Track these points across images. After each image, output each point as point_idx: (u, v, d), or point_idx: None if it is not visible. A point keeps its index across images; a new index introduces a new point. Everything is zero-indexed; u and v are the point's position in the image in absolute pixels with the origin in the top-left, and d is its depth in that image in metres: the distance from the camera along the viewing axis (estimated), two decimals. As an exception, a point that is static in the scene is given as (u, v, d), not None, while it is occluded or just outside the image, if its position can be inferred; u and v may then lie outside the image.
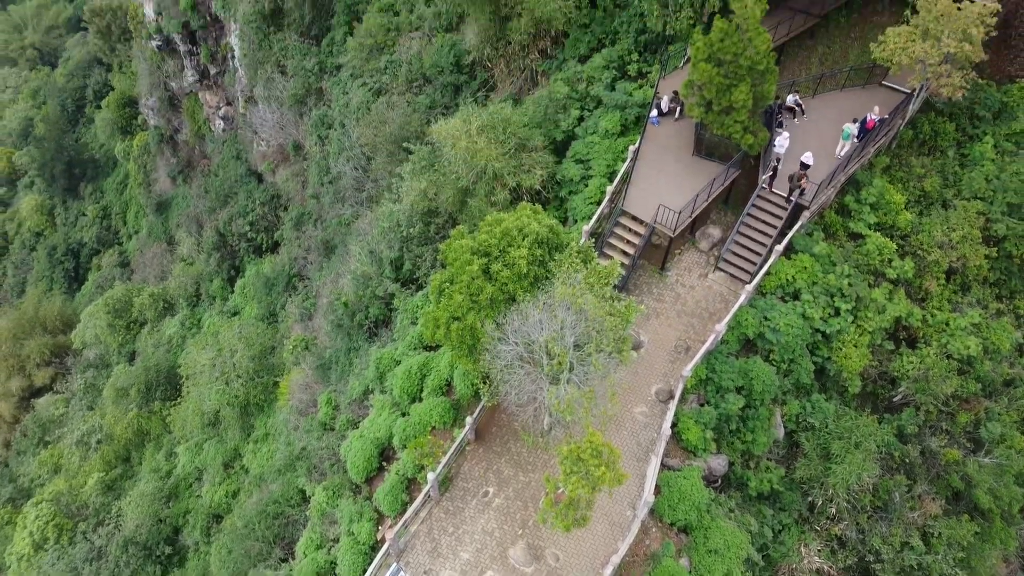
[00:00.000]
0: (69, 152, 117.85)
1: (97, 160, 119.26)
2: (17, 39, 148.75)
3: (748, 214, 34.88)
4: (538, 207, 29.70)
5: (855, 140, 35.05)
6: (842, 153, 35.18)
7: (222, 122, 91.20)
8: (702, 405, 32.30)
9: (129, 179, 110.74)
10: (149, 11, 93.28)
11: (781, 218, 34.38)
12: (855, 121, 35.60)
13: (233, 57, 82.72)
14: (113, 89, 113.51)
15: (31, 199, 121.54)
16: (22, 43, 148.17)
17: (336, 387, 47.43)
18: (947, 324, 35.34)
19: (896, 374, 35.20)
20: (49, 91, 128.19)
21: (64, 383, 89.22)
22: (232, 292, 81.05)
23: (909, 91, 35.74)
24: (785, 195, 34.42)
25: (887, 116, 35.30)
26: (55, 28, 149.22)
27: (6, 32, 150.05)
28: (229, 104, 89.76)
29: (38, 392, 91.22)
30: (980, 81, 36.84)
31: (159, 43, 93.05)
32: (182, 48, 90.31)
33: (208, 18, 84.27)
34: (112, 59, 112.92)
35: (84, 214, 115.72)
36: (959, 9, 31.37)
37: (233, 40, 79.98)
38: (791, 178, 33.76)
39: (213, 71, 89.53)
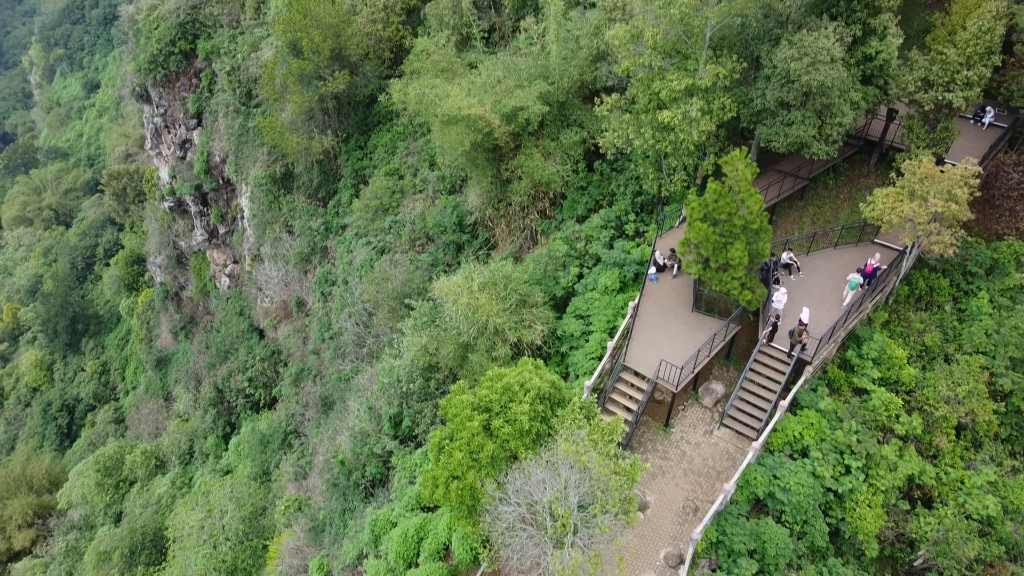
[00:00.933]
0: (74, 308, 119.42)
1: (101, 316, 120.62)
2: (36, 200, 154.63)
3: (751, 369, 34.72)
4: (539, 362, 29.57)
5: (861, 288, 35.78)
6: (847, 302, 35.72)
7: (227, 279, 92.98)
8: (714, 571, 30.67)
9: (131, 335, 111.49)
10: (164, 175, 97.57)
11: (784, 373, 34.18)
12: (859, 271, 36.44)
13: (242, 217, 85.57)
14: (123, 247, 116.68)
15: (31, 354, 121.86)
16: (40, 204, 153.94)
17: (329, 551, 45.32)
18: (962, 482, 34.26)
19: (914, 536, 33.70)
20: (61, 249, 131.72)
21: (45, 546, 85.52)
22: (227, 449, 79.43)
23: (901, 248, 36.61)
24: (786, 350, 34.42)
25: (885, 267, 36.03)
26: (73, 191, 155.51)
27: (26, 194, 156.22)
28: (236, 262, 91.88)
29: (17, 556, 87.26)
30: (970, 239, 37.86)
31: (171, 204, 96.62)
32: (193, 209, 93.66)
33: (220, 181, 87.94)
34: (125, 219, 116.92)
35: (83, 369, 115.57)
36: (942, 172, 32.70)
37: (243, 201, 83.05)
38: (791, 333, 33.90)
39: (222, 230, 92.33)
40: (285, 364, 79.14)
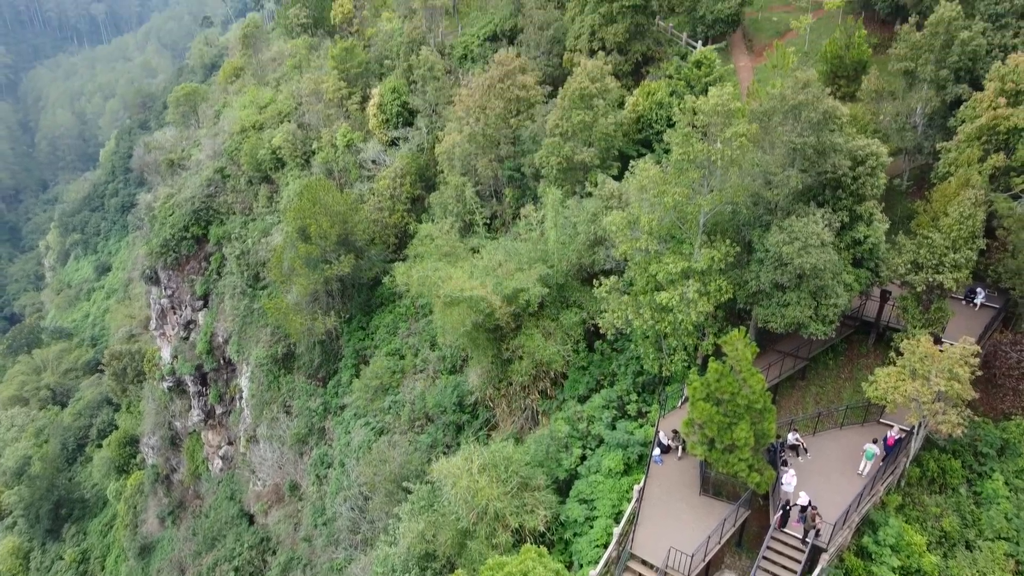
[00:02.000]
0: (59, 491, 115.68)
1: (86, 500, 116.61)
2: (34, 380, 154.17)
3: (764, 557, 33.02)
4: (543, 550, 28.20)
5: (880, 460, 34.91)
6: (865, 472, 34.64)
7: (221, 461, 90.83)
8: None
9: (116, 520, 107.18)
10: (166, 354, 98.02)
11: (799, 561, 32.47)
12: (875, 441, 35.63)
13: (240, 397, 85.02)
14: (117, 428, 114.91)
15: (9, 541, 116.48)
16: (38, 384, 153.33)
17: None
18: None
19: None
20: (53, 430, 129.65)
21: None
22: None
23: (908, 428, 36.07)
24: (800, 536, 32.94)
25: (904, 437, 35.33)
26: (72, 370, 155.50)
27: (25, 374, 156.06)
28: (230, 444, 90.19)
29: None
30: (976, 418, 37.41)
31: (170, 384, 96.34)
32: (192, 389, 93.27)
33: (221, 361, 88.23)
34: (122, 399, 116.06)
35: (61, 558, 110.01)
36: (941, 351, 32.89)
37: (243, 381, 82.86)
38: (803, 518, 32.61)
39: (219, 411, 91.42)
40: (273, 552, 75.46)
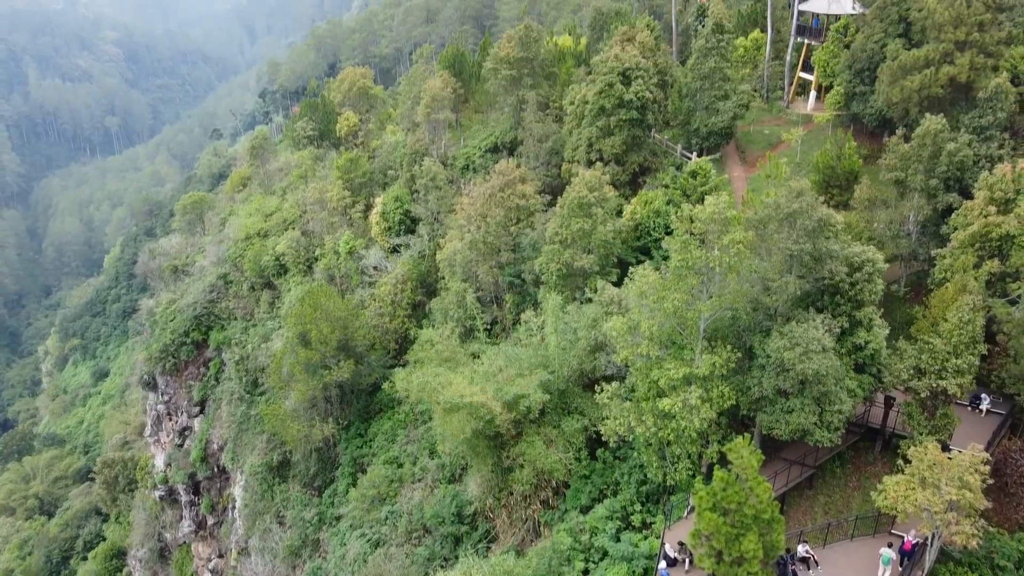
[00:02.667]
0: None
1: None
2: (23, 488, 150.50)
3: None
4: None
5: (897, 566, 33.73)
6: None
7: (210, 575, 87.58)
8: None
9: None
10: (159, 462, 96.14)
11: None
12: (890, 545, 34.37)
13: (233, 508, 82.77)
14: (105, 539, 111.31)
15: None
16: (26, 492, 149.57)
17: None
18: None
19: None
20: (38, 542, 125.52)
21: None
22: None
23: (921, 540, 34.95)
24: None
25: (923, 541, 34.12)
26: (63, 479, 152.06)
27: (14, 482, 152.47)
28: (221, 556, 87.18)
29: None
30: (991, 529, 36.29)
31: (162, 493, 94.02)
32: (184, 498, 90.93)
33: (215, 469, 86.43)
34: (111, 509, 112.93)
35: None
36: (949, 459, 32.26)
37: (237, 491, 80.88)
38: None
39: (211, 522, 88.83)
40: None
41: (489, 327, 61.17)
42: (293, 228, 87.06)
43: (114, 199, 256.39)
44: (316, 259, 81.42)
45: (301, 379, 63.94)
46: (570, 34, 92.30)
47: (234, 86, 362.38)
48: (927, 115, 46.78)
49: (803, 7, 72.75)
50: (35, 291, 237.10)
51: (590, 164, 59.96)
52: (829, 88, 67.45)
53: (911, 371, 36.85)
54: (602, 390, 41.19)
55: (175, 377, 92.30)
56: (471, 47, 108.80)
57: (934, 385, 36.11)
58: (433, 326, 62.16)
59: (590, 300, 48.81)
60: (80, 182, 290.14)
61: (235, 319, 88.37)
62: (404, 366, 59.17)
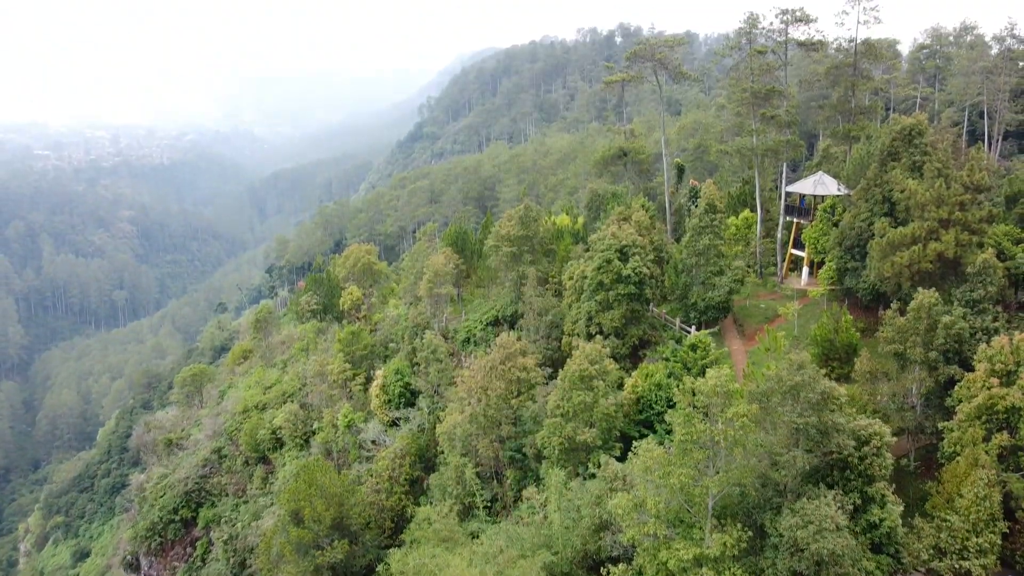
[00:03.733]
0: None
1: None
2: None
3: None
4: None
5: None
6: None
7: None
8: None
9: None
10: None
11: None
12: None
13: None
14: None
15: None
16: None
17: None
18: None
19: None
20: None
21: None
22: None
23: None
24: None
25: None
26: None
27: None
28: None
29: None
30: None
31: None
32: None
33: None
34: None
35: None
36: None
37: None
38: None
39: None
40: None
41: (489, 504, 59.14)
42: (292, 401, 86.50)
43: (114, 371, 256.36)
44: (314, 433, 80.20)
45: (291, 560, 60.86)
46: (568, 214, 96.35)
47: (242, 262, 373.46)
48: (919, 289, 47.82)
49: (790, 189, 76.52)
50: (23, 465, 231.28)
51: (590, 337, 60.54)
52: (821, 264, 69.51)
53: (931, 551, 35.28)
54: (609, 572, 39.19)
55: (160, 558, 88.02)
56: (473, 226, 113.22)
57: (956, 566, 34.44)
58: (431, 503, 60.14)
59: (593, 476, 47.59)
60: (82, 354, 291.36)
61: (227, 495, 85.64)
62: (400, 547, 56.61)
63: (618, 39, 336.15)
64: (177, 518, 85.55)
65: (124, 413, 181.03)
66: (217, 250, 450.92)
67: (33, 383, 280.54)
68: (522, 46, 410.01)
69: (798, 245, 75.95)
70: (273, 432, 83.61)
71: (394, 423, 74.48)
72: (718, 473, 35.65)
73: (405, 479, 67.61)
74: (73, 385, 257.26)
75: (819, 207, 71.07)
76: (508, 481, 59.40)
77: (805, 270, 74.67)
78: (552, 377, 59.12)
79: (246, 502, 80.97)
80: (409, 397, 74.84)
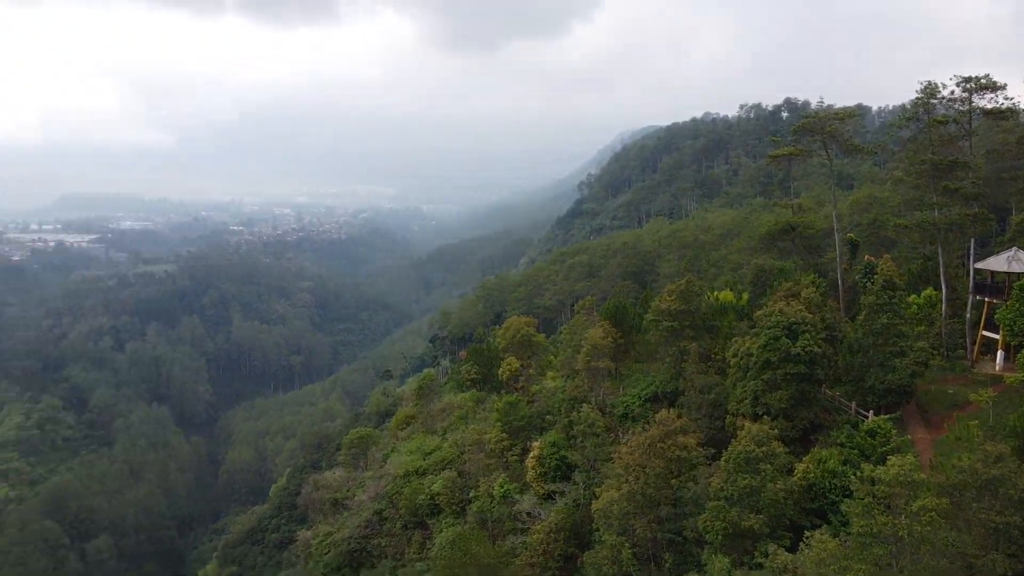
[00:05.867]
0: None
1: None
2: None
3: None
4: None
5: None
6: None
7: None
8: None
9: None
10: None
11: None
12: None
13: None
14: None
15: None
16: None
17: None
18: None
19: None
20: None
21: None
22: None
23: None
24: None
25: None
26: None
27: None
28: None
29: None
30: None
31: None
32: None
33: None
34: None
35: None
36: None
37: None
38: None
39: None
40: None
41: (646, 588, 56.96)
42: (450, 468, 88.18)
43: (288, 432, 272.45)
44: (470, 501, 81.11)
45: (445, 629, 61.26)
46: (731, 289, 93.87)
47: (408, 332, 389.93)
48: None
49: (979, 266, 70.79)
50: (205, 516, 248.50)
51: (756, 418, 57.93)
52: (1019, 347, 63.24)
53: None
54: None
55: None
56: (631, 300, 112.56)
57: None
58: (586, 582, 58.76)
59: (760, 566, 44.87)
60: (260, 414, 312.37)
61: (386, 557, 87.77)
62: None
63: (784, 114, 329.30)
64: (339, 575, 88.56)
65: (295, 471, 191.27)
66: (385, 320, 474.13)
67: (217, 439, 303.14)
68: (683, 123, 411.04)
69: (991, 326, 69.55)
70: (431, 498, 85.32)
71: (549, 496, 74.00)
72: (902, 573, 32.65)
73: (559, 555, 66.66)
74: (251, 443, 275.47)
75: (1015, 285, 65.10)
76: (667, 565, 57.02)
77: (1000, 354, 68.12)
78: (715, 458, 56.84)
79: (404, 566, 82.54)
80: (565, 470, 74.30)
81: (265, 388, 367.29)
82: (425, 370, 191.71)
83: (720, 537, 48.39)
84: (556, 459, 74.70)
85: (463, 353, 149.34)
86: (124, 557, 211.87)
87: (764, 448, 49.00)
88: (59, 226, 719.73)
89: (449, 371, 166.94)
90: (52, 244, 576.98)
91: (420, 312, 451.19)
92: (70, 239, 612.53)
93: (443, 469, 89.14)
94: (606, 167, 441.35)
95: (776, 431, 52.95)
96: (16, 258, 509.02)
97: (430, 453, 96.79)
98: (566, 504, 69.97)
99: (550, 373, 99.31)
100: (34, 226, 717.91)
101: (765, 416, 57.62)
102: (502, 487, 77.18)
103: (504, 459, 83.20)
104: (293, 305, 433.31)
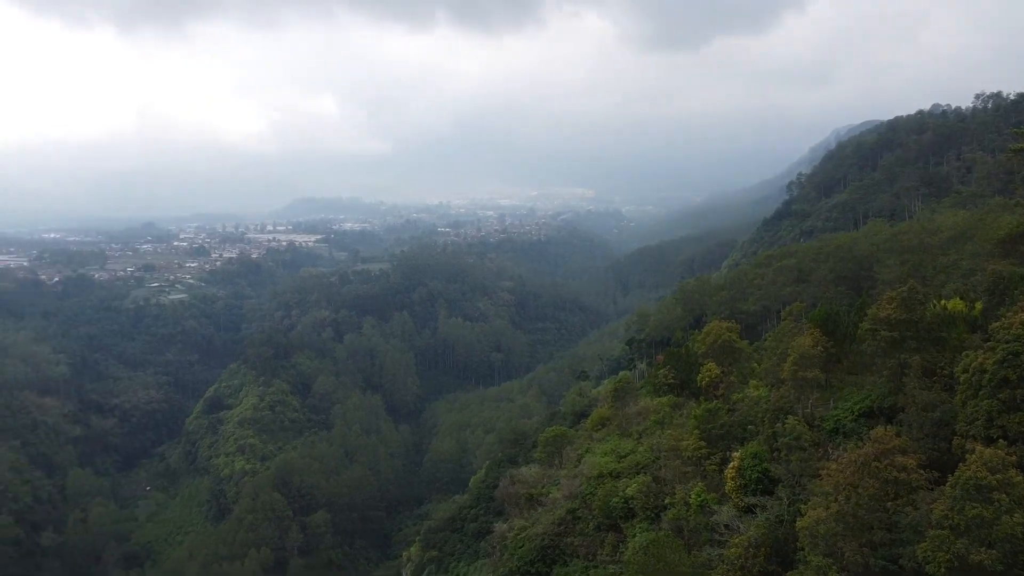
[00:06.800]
0: None
1: None
2: None
3: None
4: None
5: None
6: None
7: None
8: None
9: None
10: None
11: None
12: None
13: None
14: None
15: None
16: None
17: None
18: None
19: None
20: None
21: None
22: None
23: None
24: None
25: None
26: None
27: None
28: None
29: None
30: None
31: None
32: None
33: None
34: None
35: None
36: None
37: None
38: None
39: None
40: None
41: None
42: (645, 473, 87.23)
43: (487, 426, 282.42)
44: (665, 507, 79.74)
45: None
46: (962, 298, 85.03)
47: (604, 333, 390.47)
48: None
49: None
50: (410, 500, 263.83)
51: (990, 441, 52.08)
52: None
53: None
54: None
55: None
56: (845, 307, 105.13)
57: None
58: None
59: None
60: (462, 407, 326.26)
61: (577, 557, 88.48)
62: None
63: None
64: (532, 570, 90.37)
65: (493, 465, 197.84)
66: (581, 320, 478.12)
67: (423, 429, 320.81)
68: (907, 117, 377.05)
69: None
70: (625, 501, 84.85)
71: (749, 509, 71.00)
72: None
73: (758, 571, 63.79)
74: (453, 434, 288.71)
75: None
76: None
77: None
78: (937, 482, 51.80)
79: (596, 567, 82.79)
80: (766, 484, 70.94)
81: (467, 382, 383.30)
82: (621, 372, 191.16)
83: (943, 570, 44.14)
84: (757, 471, 71.56)
85: (660, 357, 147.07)
86: (338, 532, 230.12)
87: (999, 476, 44.02)
88: (290, 227, 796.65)
89: (645, 374, 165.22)
90: (284, 243, 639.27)
91: (616, 314, 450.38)
92: (299, 239, 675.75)
93: (637, 473, 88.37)
94: (818, 166, 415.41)
95: (1014, 457, 47.35)
96: (255, 256, 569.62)
97: (625, 456, 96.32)
98: (767, 519, 66.79)
99: (752, 381, 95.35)
100: (269, 227, 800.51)
101: (1001, 440, 51.66)
102: (699, 496, 75.17)
103: (702, 467, 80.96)
104: (494, 304, 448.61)
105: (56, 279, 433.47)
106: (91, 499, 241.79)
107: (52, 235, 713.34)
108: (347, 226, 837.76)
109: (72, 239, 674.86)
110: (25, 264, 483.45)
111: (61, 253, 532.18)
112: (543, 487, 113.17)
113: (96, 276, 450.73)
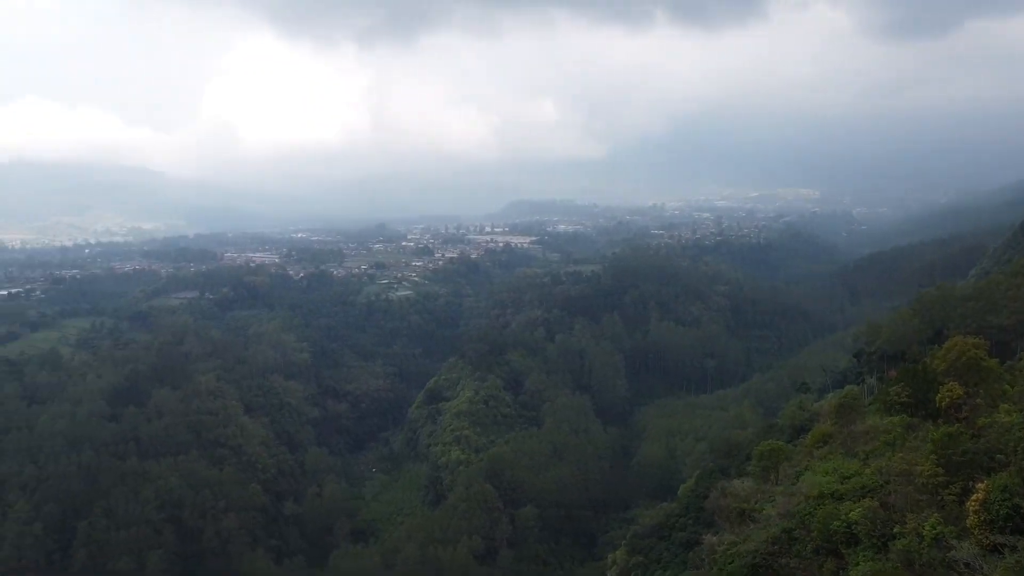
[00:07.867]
0: None
1: None
2: None
3: None
4: None
5: None
6: None
7: None
8: None
9: None
10: None
11: None
12: None
13: None
14: None
15: None
16: None
17: None
18: None
19: None
20: None
21: None
22: None
23: None
24: None
25: None
26: None
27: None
28: None
29: None
30: None
31: None
32: None
33: None
34: None
35: None
36: None
37: None
38: None
39: None
40: None
41: None
42: (871, 497, 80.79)
43: (698, 434, 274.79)
44: (893, 537, 73.33)
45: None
46: None
47: (828, 344, 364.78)
48: None
49: None
50: (616, 503, 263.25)
51: None
52: None
53: None
54: None
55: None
56: None
57: None
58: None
59: None
60: (671, 413, 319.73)
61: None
62: None
63: None
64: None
65: (704, 475, 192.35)
66: (804, 329, 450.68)
67: (630, 432, 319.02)
68: None
69: None
70: (848, 525, 79.01)
71: (995, 549, 63.51)
72: None
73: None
74: (662, 440, 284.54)
75: None
76: None
77: None
78: None
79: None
80: (1018, 522, 63.11)
81: (677, 388, 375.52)
82: (847, 387, 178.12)
83: None
84: (1007, 507, 63.80)
85: (893, 372, 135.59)
86: (545, 528, 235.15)
87: None
88: (507, 229, 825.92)
89: (875, 390, 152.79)
90: (501, 244, 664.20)
91: (843, 323, 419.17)
92: (515, 240, 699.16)
93: (863, 497, 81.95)
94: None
95: None
96: (473, 256, 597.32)
97: (848, 477, 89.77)
98: (1019, 561, 59.42)
99: (1004, 406, 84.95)
100: (487, 228, 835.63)
101: None
102: (934, 528, 68.33)
103: (938, 497, 73.53)
104: (708, 308, 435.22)
105: (301, 275, 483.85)
106: (325, 476, 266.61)
107: (300, 235, 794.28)
108: (560, 228, 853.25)
109: (316, 238, 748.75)
110: (276, 260, 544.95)
111: (306, 251, 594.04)
112: (756, 502, 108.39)
113: (334, 272, 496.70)
